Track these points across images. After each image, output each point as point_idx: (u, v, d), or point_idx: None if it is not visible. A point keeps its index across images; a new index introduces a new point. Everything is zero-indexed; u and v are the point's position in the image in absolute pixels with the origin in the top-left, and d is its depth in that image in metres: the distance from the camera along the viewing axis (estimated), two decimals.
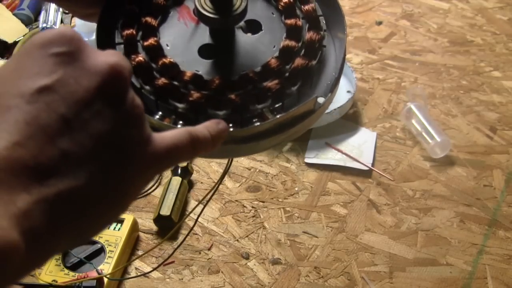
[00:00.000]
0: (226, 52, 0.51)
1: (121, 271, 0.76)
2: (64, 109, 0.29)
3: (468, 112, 1.03)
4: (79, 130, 0.29)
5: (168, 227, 0.81)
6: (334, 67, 0.52)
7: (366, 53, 1.16)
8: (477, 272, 0.78)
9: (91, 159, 0.30)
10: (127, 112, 0.32)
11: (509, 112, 1.03)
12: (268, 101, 0.47)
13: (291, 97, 0.48)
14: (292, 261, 0.79)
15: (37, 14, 1.16)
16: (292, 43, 0.50)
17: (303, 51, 0.50)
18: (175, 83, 0.48)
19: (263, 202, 0.87)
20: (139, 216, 0.84)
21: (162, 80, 0.47)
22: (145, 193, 0.88)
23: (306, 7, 0.52)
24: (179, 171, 0.87)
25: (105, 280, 0.71)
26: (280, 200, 0.88)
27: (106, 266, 0.73)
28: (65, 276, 0.72)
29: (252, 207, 0.87)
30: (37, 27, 1.13)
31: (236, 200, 0.87)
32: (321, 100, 0.48)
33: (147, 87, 0.47)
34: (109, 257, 0.74)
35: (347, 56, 1.14)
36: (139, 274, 0.77)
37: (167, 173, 0.89)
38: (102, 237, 0.76)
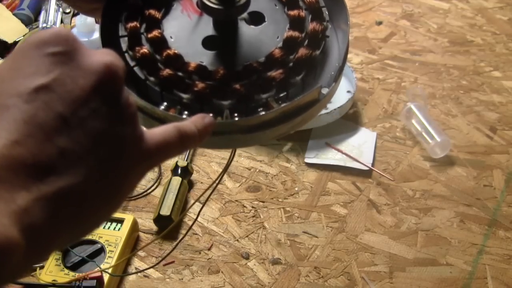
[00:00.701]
0: (230, 44, 0.52)
1: (121, 271, 0.76)
2: (62, 108, 0.30)
3: (468, 112, 1.03)
4: (76, 128, 0.30)
5: (168, 227, 0.81)
6: (337, 58, 0.52)
7: (366, 53, 1.16)
8: (477, 272, 0.78)
9: (88, 156, 0.30)
10: (122, 110, 0.32)
11: (509, 112, 1.03)
12: (272, 91, 0.48)
13: (296, 87, 0.49)
14: (292, 261, 0.79)
15: (37, 14, 1.16)
16: (295, 33, 0.50)
17: (306, 41, 0.50)
18: (180, 74, 0.48)
19: (263, 202, 0.87)
20: (139, 216, 0.84)
21: (167, 71, 0.47)
22: (145, 193, 0.88)
23: None
24: (179, 171, 0.87)
25: (105, 279, 0.71)
26: (280, 200, 0.88)
27: (106, 266, 0.73)
28: (65, 276, 0.72)
29: (252, 207, 0.87)
30: (37, 27, 1.13)
31: (236, 200, 0.87)
32: (325, 90, 0.48)
33: (152, 78, 0.48)
34: (109, 257, 0.74)
35: (347, 56, 1.14)
36: (139, 274, 0.77)
37: (167, 173, 0.89)
38: (102, 237, 0.76)
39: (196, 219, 0.74)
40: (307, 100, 0.47)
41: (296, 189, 0.89)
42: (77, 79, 0.31)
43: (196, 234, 0.82)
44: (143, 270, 0.77)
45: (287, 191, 0.89)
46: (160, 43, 0.50)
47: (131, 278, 0.77)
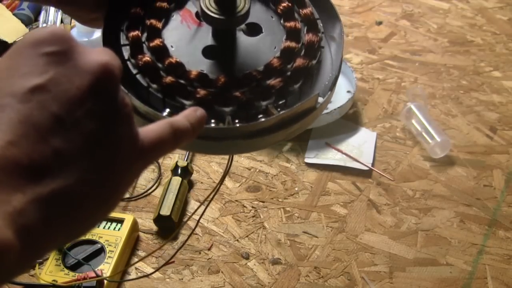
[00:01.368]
0: (229, 53, 0.53)
1: (121, 273, 0.76)
2: (57, 108, 0.29)
3: (468, 112, 1.03)
4: (72, 128, 0.30)
5: (168, 227, 0.81)
6: (331, 68, 0.54)
7: (366, 53, 1.16)
8: (477, 272, 0.78)
9: (84, 157, 0.30)
10: (118, 110, 0.32)
11: (509, 112, 1.03)
12: (272, 98, 0.49)
13: (294, 94, 0.51)
14: (292, 261, 0.79)
15: (37, 14, 1.16)
16: (293, 44, 0.53)
17: (303, 51, 0.53)
18: (182, 81, 0.49)
19: (263, 202, 0.87)
20: (139, 216, 0.84)
21: (169, 78, 0.49)
22: (145, 193, 0.88)
23: (304, 11, 0.55)
24: (179, 171, 0.87)
25: (105, 281, 0.71)
26: (280, 200, 0.88)
27: (106, 266, 0.73)
28: (65, 276, 0.72)
29: (252, 207, 0.87)
30: (37, 27, 1.13)
31: (236, 200, 0.87)
32: (320, 99, 0.50)
33: (154, 86, 0.49)
34: (109, 257, 0.74)
35: (347, 56, 1.14)
36: (139, 274, 0.77)
37: (167, 173, 0.89)
38: (102, 237, 0.76)
39: (198, 222, 0.74)
40: (305, 108, 0.49)
41: (296, 189, 0.89)
42: (73, 78, 0.30)
43: (196, 234, 0.82)
44: (142, 277, 0.77)
45: (287, 191, 0.89)
46: (162, 52, 0.51)
47: (131, 278, 0.77)
